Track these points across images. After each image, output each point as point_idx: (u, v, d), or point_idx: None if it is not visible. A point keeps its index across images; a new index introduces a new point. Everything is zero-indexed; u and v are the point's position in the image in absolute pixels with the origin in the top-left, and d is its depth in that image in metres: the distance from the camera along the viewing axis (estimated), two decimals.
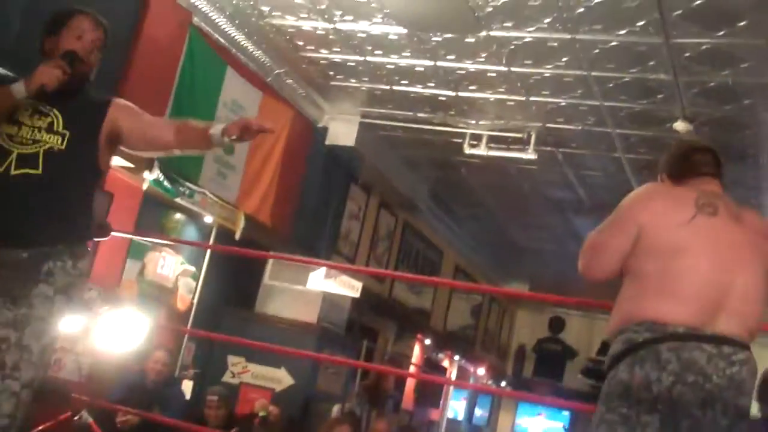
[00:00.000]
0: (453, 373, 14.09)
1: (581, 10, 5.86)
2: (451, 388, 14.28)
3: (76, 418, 5.48)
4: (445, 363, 14.06)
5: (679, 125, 7.24)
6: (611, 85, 6.96)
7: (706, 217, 2.81)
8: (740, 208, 2.98)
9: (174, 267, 7.86)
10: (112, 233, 5.49)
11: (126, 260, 7.31)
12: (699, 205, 2.83)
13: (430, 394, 13.37)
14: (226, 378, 8.43)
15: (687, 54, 6.19)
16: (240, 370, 8.38)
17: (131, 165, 6.55)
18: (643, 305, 2.74)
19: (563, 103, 7.56)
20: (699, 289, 2.71)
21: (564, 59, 6.69)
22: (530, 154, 8.37)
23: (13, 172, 3.06)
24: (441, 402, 13.92)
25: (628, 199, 2.99)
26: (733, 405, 2.64)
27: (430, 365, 13.27)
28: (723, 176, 3.13)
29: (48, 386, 5.55)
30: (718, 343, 2.65)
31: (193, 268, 8.07)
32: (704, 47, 6.05)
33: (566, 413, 14.82)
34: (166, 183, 6.79)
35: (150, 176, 6.66)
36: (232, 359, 8.48)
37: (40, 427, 5.18)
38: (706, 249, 2.76)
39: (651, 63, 6.45)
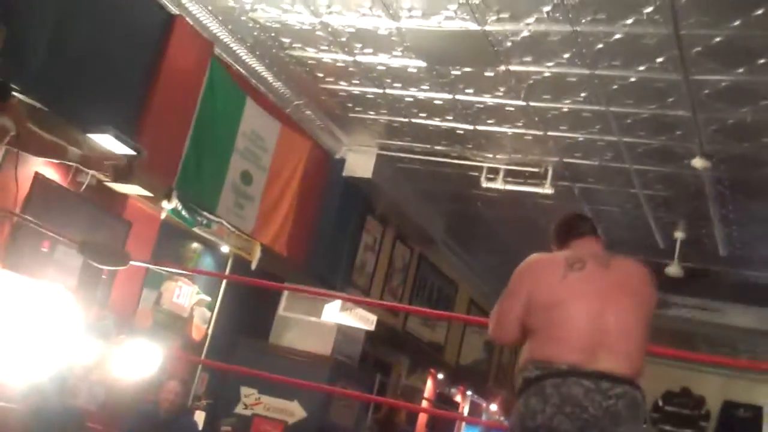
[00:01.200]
0: (465, 409, 13.99)
1: (600, 45, 5.87)
2: (463, 423, 14.18)
3: None
4: (458, 398, 13.97)
5: (698, 162, 7.23)
6: (629, 120, 6.97)
7: (575, 272, 3.30)
8: (612, 257, 3.44)
9: (190, 296, 7.86)
10: (130, 262, 5.52)
11: (142, 289, 7.31)
12: (569, 264, 3.32)
13: (443, 429, 13.28)
14: (239, 409, 8.39)
15: (706, 91, 6.19)
16: (253, 401, 8.34)
17: (150, 194, 6.59)
18: (536, 349, 3.22)
19: (581, 138, 7.57)
20: (578, 332, 3.16)
21: (582, 94, 6.70)
22: (547, 189, 8.37)
23: None
24: None
25: (517, 270, 3.44)
26: None
27: (443, 400, 13.19)
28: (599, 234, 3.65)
29: (64, 414, 5.56)
30: (597, 379, 3.07)
31: (208, 298, 8.07)
32: (723, 84, 6.05)
33: None
34: (184, 212, 6.82)
35: (168, 206, 6.69)
36: (245, 390, 8.44)
37: None
38: (577, 299, 3.22)
39: (670, 99, 6.46)
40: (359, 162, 8.98)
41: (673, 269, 9.47)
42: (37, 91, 5.45)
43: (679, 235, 9.25)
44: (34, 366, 6.07)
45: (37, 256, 6.13)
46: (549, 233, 3.72)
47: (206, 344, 8.02)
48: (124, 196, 6.81)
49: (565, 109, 7.05)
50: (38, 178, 6.08)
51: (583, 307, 3.20)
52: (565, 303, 3.21)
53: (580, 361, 3.09)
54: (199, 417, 7.82)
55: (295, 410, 8.43)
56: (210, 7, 6.69)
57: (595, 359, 3.10)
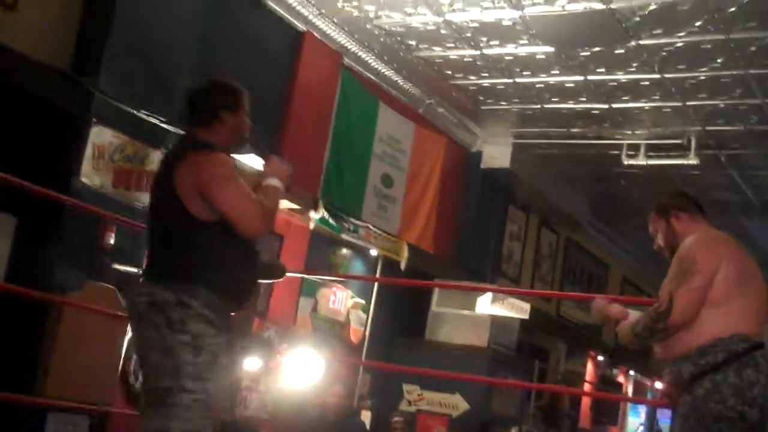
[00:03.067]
0: (629, 389, 13.76)
1: (733, 9, 5.71)
2: (629, 404, 13.93)
3: None
4: (620, 378, 13.75)
5: None
6: None
7: (742, 250, 3.47)
8: None
9: (345, 301, 8.06)
10: (287, 274, 5.71)
11: (299, 298, 7.55)
12: (735, 242, 3.49)
13: (607, 411, 13.10)
14: (403, 406, 8.53)
15: None
16: (416, 397, 8.47)
17: (297, 206, 6.80)
18: (730, 323, 3.27)
19: (722, 105, 7.36)
20: (759, 305, 3.35)
21: (719, 60, 6.53)
22: (692, 160, 8.17)
23: None
24: (618, 419, 13.61)
25: (696, 248, 3.39)
26: None
27: (605, 381, 13.01)
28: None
29: (239, 426, 5.82)
30: None
31: (362, 301, 8.25)
32: None
33: None
34: (331, 220, 7.01)
35: (316, 215, 6.89)
36: (406, 387, 8.57)
37: None
38: (755, 276, 3.42)
39: None
40: (496, 153, 8.99)
41: None
42: (184, 121, 5.71)
43: None
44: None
45: None
46: (674, 200, 3.69)
47: (365, 346, 8.20)
48: None
49: (703, 77, 6.87)
50: None
51: (760, 284, 3.37)
52: (753, 278, 3.36)
53: (760, 330, 3.29)
54: (366, 417, 8.01)
55: (458, 403, 8.51)
56: (336, 20, 6.86)
57: (762, 328, 3.31)
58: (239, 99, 3.35)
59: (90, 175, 5.29)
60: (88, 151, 5.26)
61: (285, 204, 6.80)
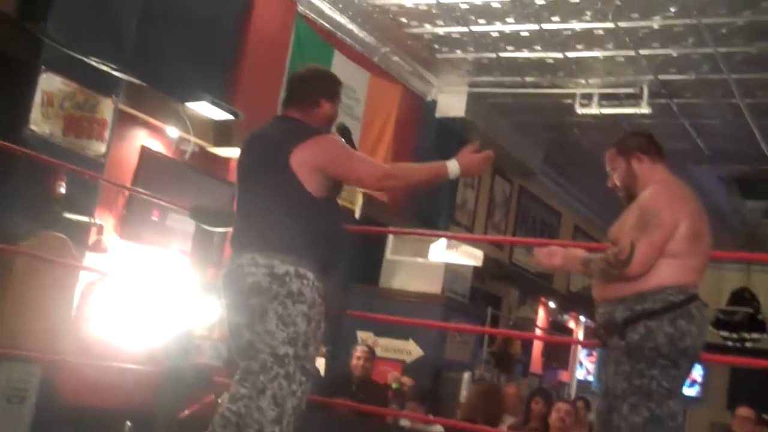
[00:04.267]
0: (579, 334, 14.00)
1: None
2: (579, 348, 14.19)
3: (219, 400, 5.71)
4: (571, 324, 13.98)
5: None
6: (724, 30, 6.80)
7: (699, 204, 3.51)
8: None
9: None
10: None
11: None
12: (694, 198, 3.52)
13: (558, 356, 13.33)
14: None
15: None
16: (370, 344, 8.54)
17: None
18: (676, 275, 3.33)
19: (675, 54, 7.42)
20: (705, 262, 3.46)
21: (672, 9, 6.57)
22: (644, 109, 8.25)
23: None
24: (569, 363, 13.86)
25: (661, 200, 3.41)
26: None
27: (556, 328, 13.22)
28: None
29: (192, 372, 5.83)
30: None
31: None
32: None
33: (699, 366, 14.51)
34: None
35: None
36: (361, 334, 8.63)
37: (188, 411, 5.43)
38: (707, 233, 3.46)
39: (764, 4, 6.27)
40: (451, 102, 9.00)
41: None
42: (134, 68, 5.65)
43: None
44: (160, 329, 6.37)
45: (150, 224, 6.39)
46: (637, 140, 3.67)
47: None
48: (227, 160, 7.00)
49: (656, 26, 6.92)
50: (145, 150, 6.32)
51: (709, 241, 3.43)
52: (705, 236, 3.40)
53: (699, 283, 3.40)
54: (320, 364, 8.07)
55: (411, 349, 8.60)
56: None
57: (701, 281, 3.42)
58: (337, 89, 3.60)
59: (39, 123, 5.22)
60: (37, 99, 5.19)
61: (238, 153, 6.76)
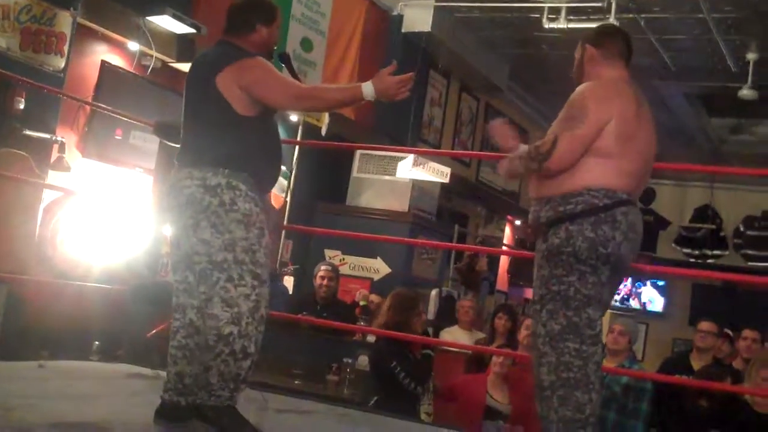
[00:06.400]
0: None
1: None
2: None
3: None
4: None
5: None
6: None
7: (642, 108, 3.34)
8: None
9: None
10: None
11: None
12: (637, 100, 3.31)
13: (524, 273, 13.46)
14: None
15: None
16: (338, 263, 8.55)
17: None
18: (601, 177, 3.22)
19: None
20: (640, 167, 3.31)
21: None
22: (612, 23, 8.17)
23: None
24: None
25: (593, 95, 3.29)
26: None
27: (522, 245, 13.33)
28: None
29: (158, 289, 5.82)
30: (637, 205, 3.31)
31: (283, 167, 8.19)
32: None
33: (662, 283, 14.77)
34: None
35: None
36: (329, 252, 8.66)
37: (155, 329, 5.44)
38: (645, 137, 3.35)
39: None
40: (417, 16, 8.86)
41: (747, 92, 9.25)
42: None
43: (751, 56, 8.97)
44: (126, 248, 6.34)
45: (113, 142, 6.30)
46: (594, 33, 3.52)
47: (286, 211, 8.20)
48: None
49: None
50: (105, 66, 6.19)
51: (646, 146, 3.29)
52: (638, 139, 3.24)
53: (633, 189, 3.26)
54: (288, 282, 8.09)
55: (379, 267, 8.66)
56: None
57: (638, 188, 3.31)
58: (274, 14, 3.65)
59: None
60: None
61: None
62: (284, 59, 3.82)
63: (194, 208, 3.32)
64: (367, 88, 3.44)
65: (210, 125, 3.43)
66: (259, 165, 3.45)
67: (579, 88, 3.32)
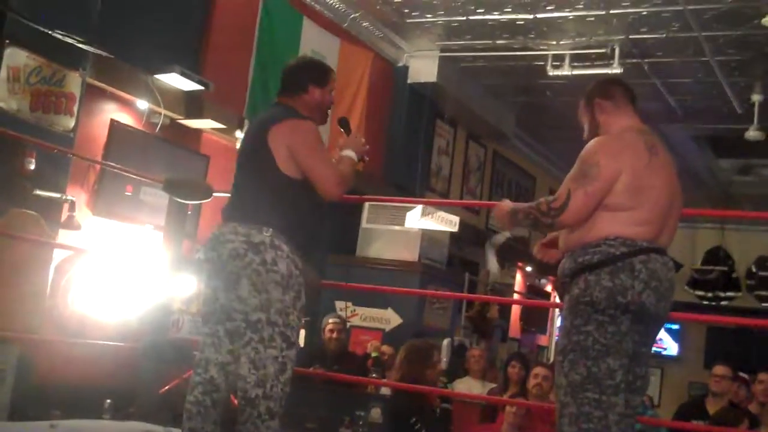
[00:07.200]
0: (557, 298, 14.06)
1: None
2: (557, 312, 14.26)
3: None
4: (549, 288, 14.04)
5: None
6: None
7: (654, 157, 3.30)
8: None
9: None
10: (213, 194, 5.65)
11: None
12: (648, 147, 3.29)
13: (536, 320, 13.39)
14: None
15: None
16: (348, 314, 8.53)
17: (223, 126, 6.70)
18: (618, 227, 3.22)
19: (645, 12, 7.41)
20: (657, 215, 3.25)
21: None
22: (616, 69, 8.22)
23: None
24: (547, 327, 13.94)
25: (599, 151, 3.30)
26: None
27: (534, 292, 13.28)
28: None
29: (172, 346, 5.81)
30: (664, 254, 3.26)
31: None
32: None
33: (676, 326, 14.66)
34: None
35: (241, 135, 6.79)
36: (339, 304, 8.62)
37: (167, 386, 5.40)
38: (660, 185, 3.30)
39: None
40: (422, 67, 8.95)
41: (753, 133, 9.27)
42: (101, 41, 5.56)
43: (756, 98, 9.01)
44: (137, 305, 6.32)
45: (123, 200, 6.32)
46: (598, 86, 3.57)
47: None
48: (199, 132, 6.93)
49: None
50: (114, 124, 6.23)
51: (662, 193, 3.26)
52: (652, 188, 3.23)
53: (653, 237, 3.23)
54: (300, 336, 8.04)
55: (390, 317, 8.61)
56: None
57: (661, 235, 3.26)
58: (327, 74, 3.74)
59: (6, 99, 5.15)
60: (3, 74, 5.11)
61: (209, 124, 6.71)
62: (343, 124, 3.92)
63: (236, 263, 3.36)
64: (350, 152, 3.69)
65: (258, 183, 3.49)
66: (303, 227, 3.50)
67: (590, 144, 3.35)
